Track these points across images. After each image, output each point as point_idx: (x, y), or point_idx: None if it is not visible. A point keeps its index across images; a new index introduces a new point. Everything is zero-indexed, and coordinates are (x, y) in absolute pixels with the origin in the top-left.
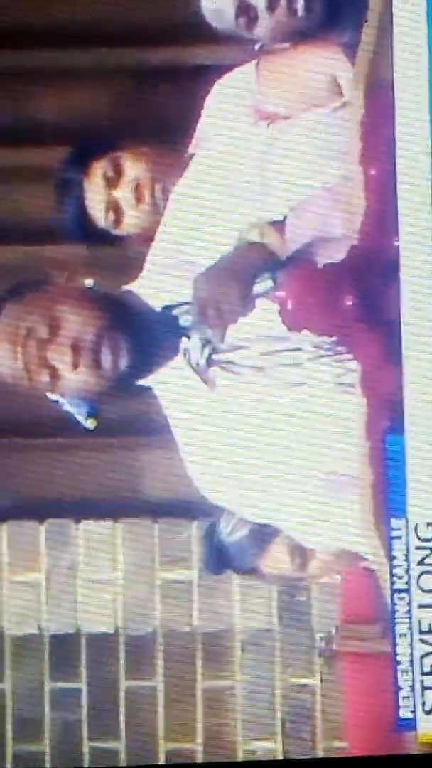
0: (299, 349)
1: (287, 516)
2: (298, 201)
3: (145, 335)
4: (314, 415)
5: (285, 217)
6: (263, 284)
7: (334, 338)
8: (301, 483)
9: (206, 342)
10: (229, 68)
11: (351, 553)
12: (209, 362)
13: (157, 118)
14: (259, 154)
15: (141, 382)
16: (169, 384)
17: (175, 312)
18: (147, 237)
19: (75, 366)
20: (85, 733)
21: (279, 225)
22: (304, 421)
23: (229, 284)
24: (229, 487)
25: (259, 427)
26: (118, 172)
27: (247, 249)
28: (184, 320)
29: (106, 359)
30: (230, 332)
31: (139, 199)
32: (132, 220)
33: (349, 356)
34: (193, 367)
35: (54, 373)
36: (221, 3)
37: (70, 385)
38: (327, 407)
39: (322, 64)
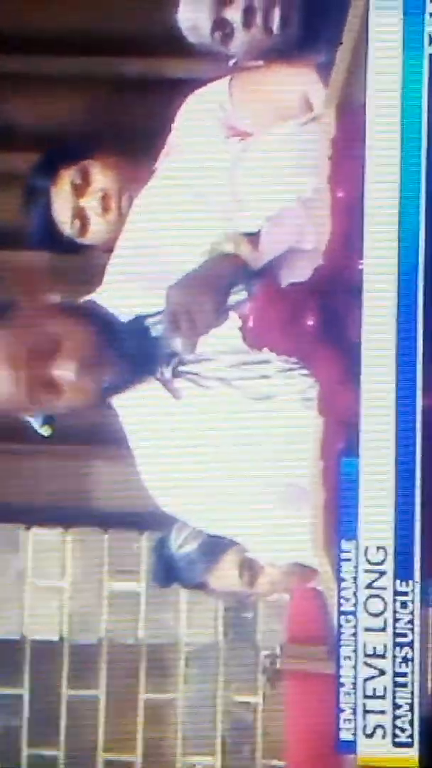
0: (268, 362)
1: (242, 527)
2: (272, 213)
3: (123, 348)
4: (276, 428)
5: (259, 229)
6: (238, 296)
7: (294, 358)
8: (258, 494)
9: (173, 354)
10: (202, 83)
11: (300, 571)
12: (175, 374)
13: (128, 128)
14: (229, 166)
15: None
16: (128, 394)
17: (146, 322)
18: (112, 247)
19: (77, 380)
20: (24, 740)
21: (253, 236)
22: (266, 433)
23: (203, 295)
24: (184, 497)
25: (220, 438)
26: (86, 180)
27: (221, 260)
28: (155, 330)
29: (105, 374)
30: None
31: (105, 208)
32: (97, 230)
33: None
34: (158, 379)
35: (57, 393)
36: (198, 17)
37: (69, 402)
38: (290, 420)
39: (295, 83)
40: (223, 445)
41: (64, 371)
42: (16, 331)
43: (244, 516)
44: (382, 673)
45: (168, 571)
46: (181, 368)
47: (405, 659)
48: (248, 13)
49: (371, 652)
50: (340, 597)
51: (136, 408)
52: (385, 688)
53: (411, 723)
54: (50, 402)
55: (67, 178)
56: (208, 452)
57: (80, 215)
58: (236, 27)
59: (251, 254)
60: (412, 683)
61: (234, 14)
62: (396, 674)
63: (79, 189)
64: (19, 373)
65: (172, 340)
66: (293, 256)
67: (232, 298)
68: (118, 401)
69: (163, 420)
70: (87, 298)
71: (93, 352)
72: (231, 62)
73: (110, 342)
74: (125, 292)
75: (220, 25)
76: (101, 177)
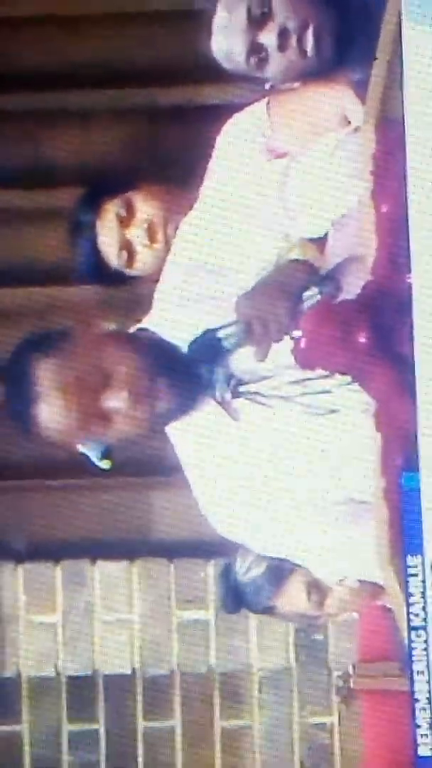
0: (328, 377)
1: (304, 548)
2: (337, 217)
3: (179, 373)
4: (338, 443)
5: (326, 233)
6: (311, 298)
7: (347, 375)
8: (320, 511)
9: (231, 375)
10: (239, 108)
11: (368, 589)
12: (235, 394)
13: (169, 157)
14: (276, 183)
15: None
16: (183, 420)
17: (219, 334)
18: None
19: (131, 409)
20: None
21: (319, 241)
22: (327, 448)
23: (276, 300)
24: (244, 522)
25: (280, 457)
26: (131, 212)
27: (289, 266)
28: (229, 341)
29: (152, 400)
30: (253, 364)
31: (151, 238)
32: (145, 260)
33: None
34: (218, 401)
35: (108, 420)
36: (232, 44)
37: (121, 432)
38: (353, 434)
39: (333, 102)
40: (283, 464)
41: (115, 402)
42: (68, 361)
43: (306, 536)
44: None
45: (235, 597)
46: (241, 388)
47: None
48: (282, 36)
49: None
50: (409, 613)
51: (191, 434)
52: None
53: None
54: (102, 433)
55: (111, 210)
56: (268, 472)
57: (127, 247)
58: (271, 51)
59: (319, 258)
60: None
61: (268, 38)
62: None
63: (124, 221)
64: (70, 404)
65: (245, 348)
66: (355, 261)
67: (305, 304)
68: (171, 429)
69: (221, 443)
70: (138, 326)
71: (144, 381)
72: (267, 85)
73: (163, 369)
74: (176, 317)
75: (255, 50)
76: (145, 207)
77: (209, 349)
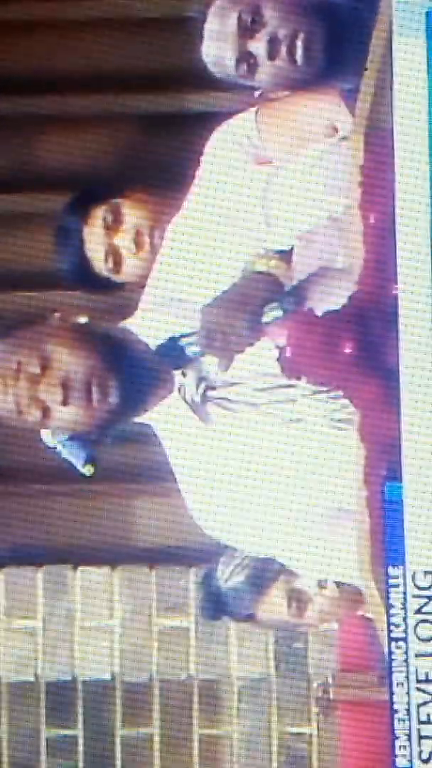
0: (293, 386)
1: (288, 549)
2: (304, 231)
3: (139, 372)
4: (310, 451)
5: (291, 247)
6: (272, 313)
7: (332, 386)
8: (301, 516)
9: (202, 378)
10: (228, 115)
11: (348, 599)
12: (204, 399)
13: (157, 165)
14: (260, 190)
15: (138, 419)
16: (168, 420)
17: (181, 342)
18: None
19: (65, 402)
20: None
21: (285, 255)
22: (301, 456)
23: (237, 313)
24: (228, 521)
25: (254, 462)
26: (118, 219)
27: (254, 278)
28: (191, 350)
29: (97, 396)
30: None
31: (138, 246)
32: (131, 268)
33: (344, 399)
34: (188, 404)
35: (45, 410)
36: (222, 50)
37: (61, 423)
38: (322, 443)
39: (322, 111)
40: (258, 469)
41: (48, 394)
42: (15, 343)
43: (289, 536)
44: None
45: (216, 605)
46: (210, 393)
47: None
48: (272, 44)
49: (423, 678)
50: (389, 623)
51: (175, 433)
52: None
53: None
54: (43, 423)
55: (98, 216)
56: (245, 475)
57: (113, 253)
58: (261, 59)
59: (284, 272)
60: None
61: (258, 46)
62: None
63: (111, 227)
64: (6, 384)
65: (198, 364)
66: (325, 274)
67: (268, 316)
68: (159, 428)
69: (200, 444)
70: (122, 324)
71: (91, 377)
72: (256, 93)
73: (120, 367)
74: (158, 320)
75: (245, 57)
76: (133, 214)
77: (173, 355)
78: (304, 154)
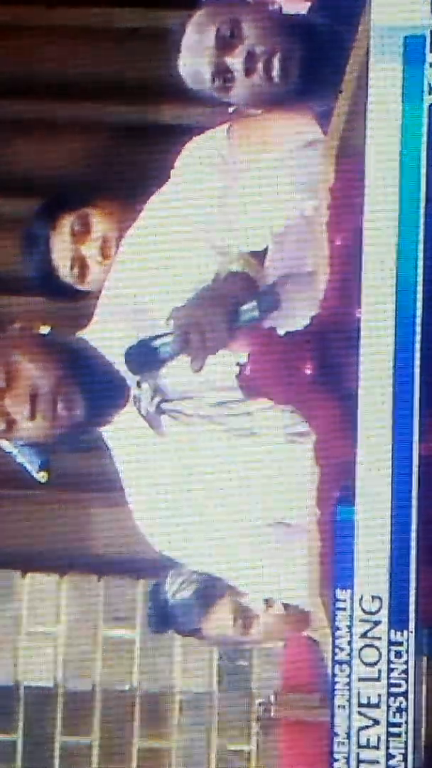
0: (246, 400)
1: (235, 567)
2: (278, 230)
3: (97, 383)
4: (264, 464)
5: (266, 246)
6: (249, 314)
7: (290, 407)
8: (250, 533)
9: (157, 390)
10: (201, 129)
11: (294, 619)
12: (158, 410)
13: (128, 175)
14: (219, 191)
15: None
16: (120, 431)
17: (154, 343)
18: None
19: (32, 416)
20: None
21: (259, 254)
22: (253, 470)
23: (213, 311)
24: (175, 535)
25: (207, 474)
26: (86, 227)
27: (228, 278)
28: (164, 350)
29: (62, 409)
30: (180, 382)
31: (105, 255)
32: (96, 277)
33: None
34: (142, 415)
35: (10, 422)
36: (198, 64)
37: (25, 434)
38: (276, 456)
39: (295, 131)
40: (211, 482)
41: (14, 407)
42: None
43: (235, 554)
44: (376, 722)
45: (163, 618)
46: (164, 405)
47: (399, 709)
48: (249, 60)
49: (365, 702)
50: (334, 646)
51: (126, 444)
52: (378, 738)
53: None
54: (7, 433)
55: (67, 224)
56: (196, 489)
57: (80, 262)
58: (237, 74)
59: (258, 271)
60: (406, 733)
61: (235, 61)
62: (390, 724)
63: (79, 236)
64: None
65: (180, 358)
66: (297, 279)
67: (245, 316)
68: (110, 438)
69: (150, 456)
70: (78, 335)
71: (54, 388)
72: (231, 109)
73: (80, 378)
74: (113, 329)
75: (221, 71)
76: (101, 224)
77: (144, 358)
78: (270, 156)
